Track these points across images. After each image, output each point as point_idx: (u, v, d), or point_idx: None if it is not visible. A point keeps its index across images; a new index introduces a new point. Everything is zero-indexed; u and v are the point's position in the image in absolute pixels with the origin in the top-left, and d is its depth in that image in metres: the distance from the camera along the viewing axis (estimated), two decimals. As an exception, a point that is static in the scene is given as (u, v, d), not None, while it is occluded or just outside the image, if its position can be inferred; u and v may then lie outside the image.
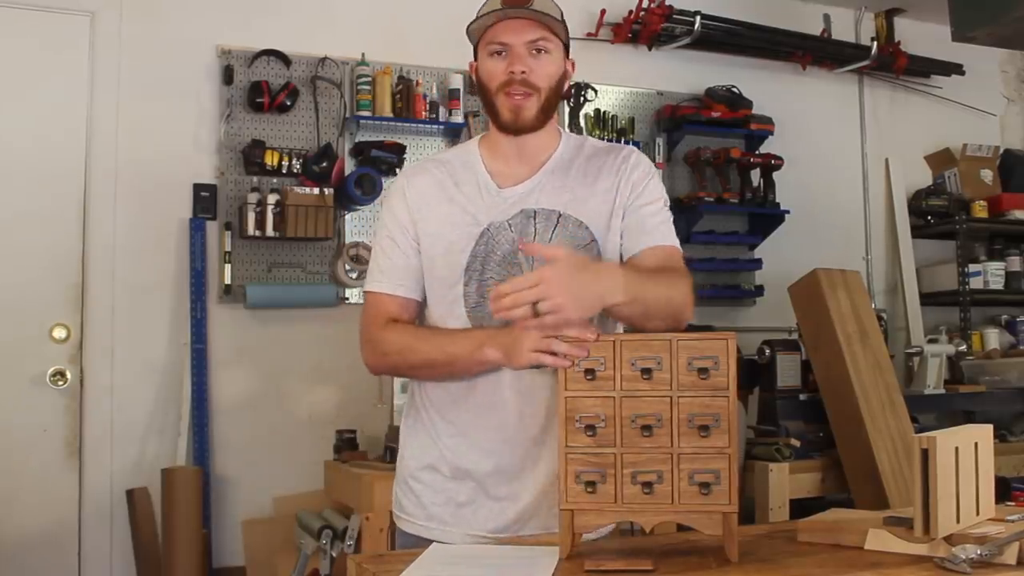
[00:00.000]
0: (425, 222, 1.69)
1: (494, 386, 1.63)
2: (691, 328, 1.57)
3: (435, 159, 1.78)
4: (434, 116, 3.91)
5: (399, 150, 3.80)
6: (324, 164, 3.70)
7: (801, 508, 3.17)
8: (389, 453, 3.19)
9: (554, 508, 1.62)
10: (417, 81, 3.90)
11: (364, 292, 1.76)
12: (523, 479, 1.64)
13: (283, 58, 3.74)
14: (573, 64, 1.73)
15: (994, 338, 4.66)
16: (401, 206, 1.71)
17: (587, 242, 1.67)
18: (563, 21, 1.68)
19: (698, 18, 4.26)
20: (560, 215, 1.66)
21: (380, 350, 1.68)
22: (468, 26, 1.67)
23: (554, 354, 1.41)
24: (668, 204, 1.75)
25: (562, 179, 1.70)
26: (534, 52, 1.63)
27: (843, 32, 4.78)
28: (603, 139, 4.17)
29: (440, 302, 1.68)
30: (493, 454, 1.65)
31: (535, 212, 1.66)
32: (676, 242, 1.72)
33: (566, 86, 1.73)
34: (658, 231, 1.69)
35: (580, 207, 1.67)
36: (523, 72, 1.62)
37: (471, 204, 1.68)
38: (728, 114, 4.34)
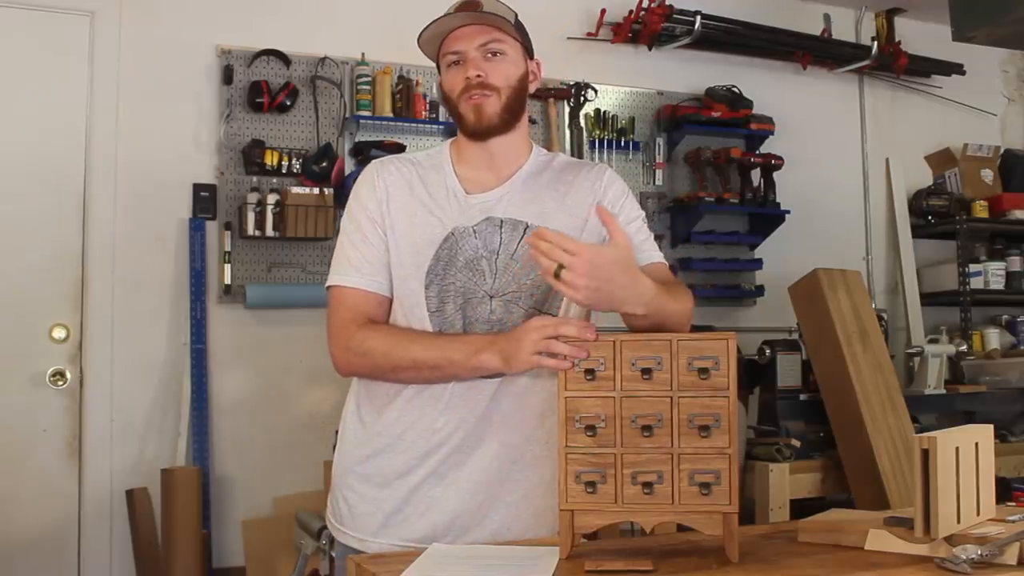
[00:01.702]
0: (392, 218, 1.65)
1: (441, 387, 1.62)
2: (691, 328, 1.58)
3: (403, 158, 1.74)
4: (434, 116, 3.91)
5: (399, 150, 3.79)
6: (324, 164, 3.69)
7: (801, 508, 3.17)
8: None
9: (491, 516, 1.62)
10: (417, 81, 3.90)
11: (330, 287, 1.66)
12: (456, 478, 1.62)
13: (283, 58, 3.74)
14: (539, 64, 1.72)
15: (995, 338, 4.66)
16: (371, 197, 1.67)
17: None
18: (518, 23, 1.68)
19: (698, 18, 4.25)
20: (527, 226, 1.65)
21: (361, 350, 1.60)
22: (418, 38, 1.65)
23: (554, 356, 1.40)
24: (646, 220, 1.75)
25: (531, 191, 1.69)
26: (489, 55, 1.63)
27: (843, 32, 4.79)
28: (603, 139, 4.20)
29: (401, 304, 1.65)
30: (426, 448, 1.63)
31: (501, 221, 1.65)
32: (662, 256, 1.73)
33: (532, 87, 1.72)
34: (643, 249, 1.69)
35: (548, 220, 1.66)
36: (478, 76, 1.62)
37: (437, 207, 1.66)
38: (728, 114, 4.34)
